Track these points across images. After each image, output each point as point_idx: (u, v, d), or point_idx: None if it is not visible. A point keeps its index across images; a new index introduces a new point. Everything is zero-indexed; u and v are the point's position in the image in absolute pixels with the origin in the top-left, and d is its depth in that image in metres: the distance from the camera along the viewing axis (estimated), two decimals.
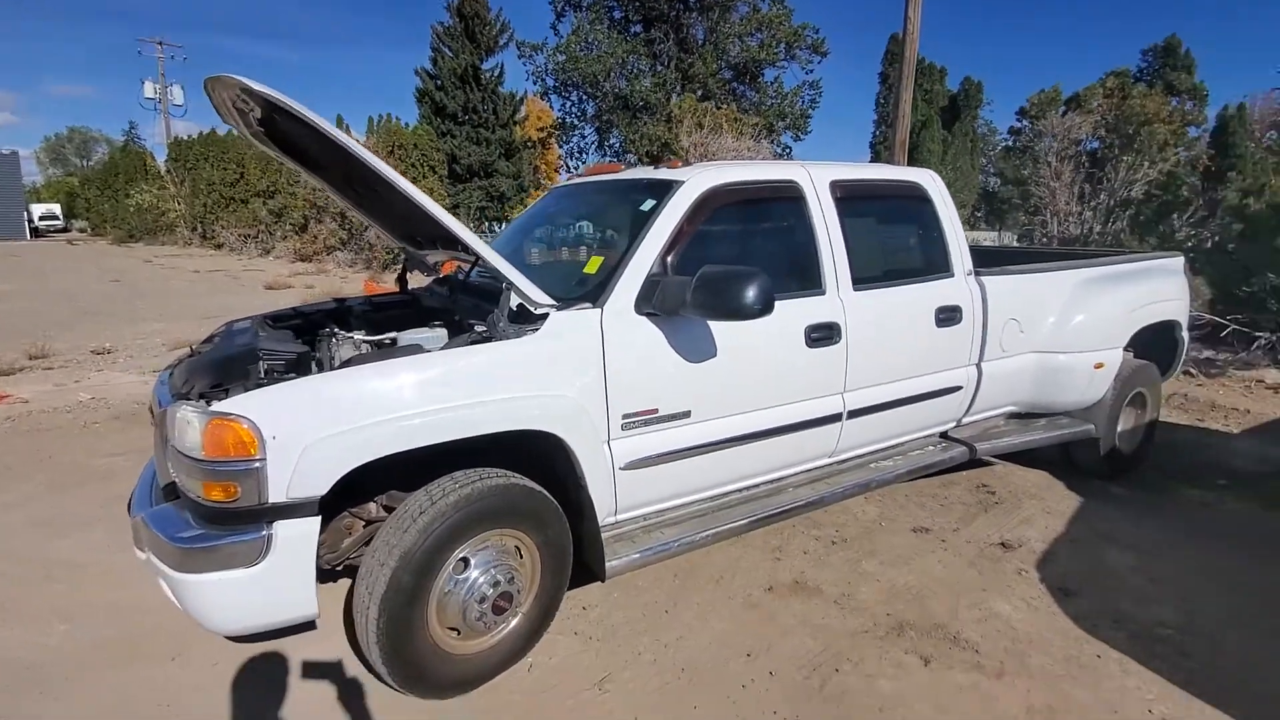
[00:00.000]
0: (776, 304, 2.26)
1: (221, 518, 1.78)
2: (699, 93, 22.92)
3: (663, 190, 2.52)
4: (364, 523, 2.24)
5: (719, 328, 2.38)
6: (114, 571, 2.82)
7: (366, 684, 2.15)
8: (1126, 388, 3.76)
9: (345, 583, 2.63)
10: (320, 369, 2.28)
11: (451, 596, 2.03)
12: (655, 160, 19.87)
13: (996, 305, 3.31)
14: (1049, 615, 2.58)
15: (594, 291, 2.29)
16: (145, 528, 1.89)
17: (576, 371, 2.15)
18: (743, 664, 2.29)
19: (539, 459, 2.22)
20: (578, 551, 2.32)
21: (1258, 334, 6.51)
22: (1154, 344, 3.97)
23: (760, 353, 2.54)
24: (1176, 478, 3.98)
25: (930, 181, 3.26)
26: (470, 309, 2.48)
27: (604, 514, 2.31)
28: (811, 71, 24.44)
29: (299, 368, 2.19)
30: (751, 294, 2.08)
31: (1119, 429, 3.83)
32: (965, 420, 3.49)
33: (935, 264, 3.18)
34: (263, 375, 2.08)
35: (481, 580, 2.06)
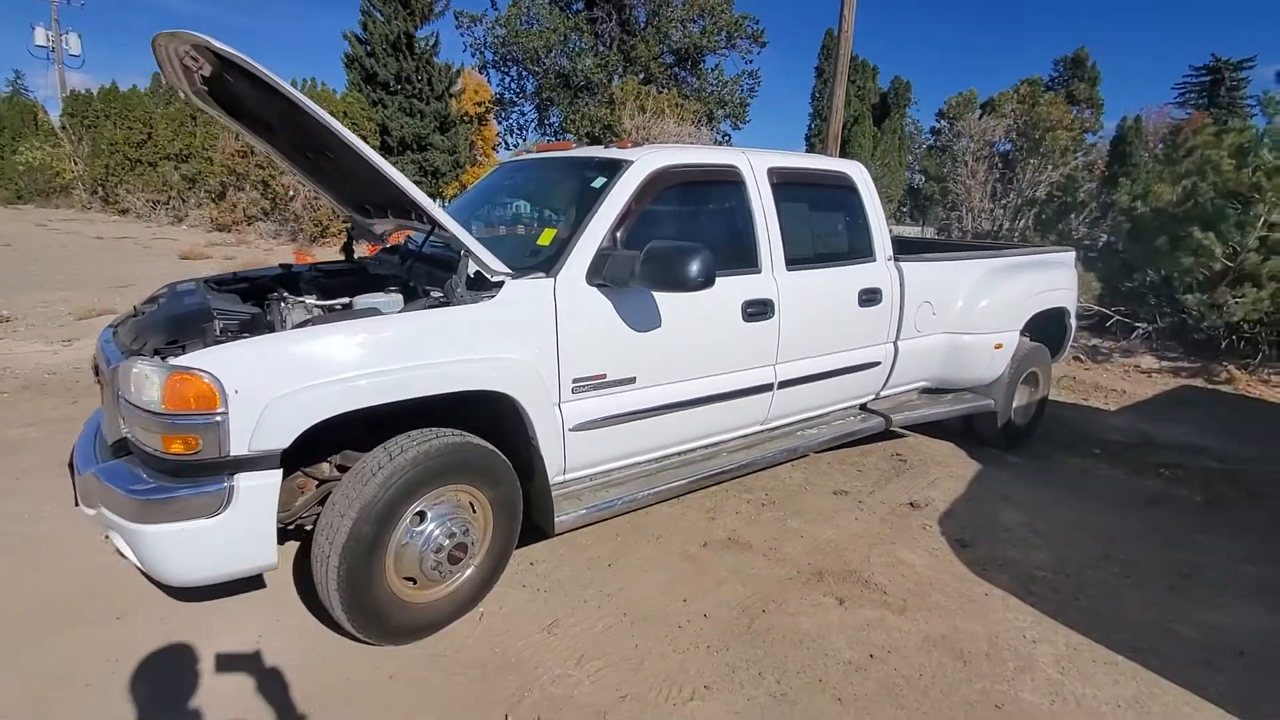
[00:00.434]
0: (717, 280, 2.46)
1: (181, 470, 1.81)
2: (641, 75, 22.95)
3: (613, 169, 2.65)
4: (317, 482, 2.30)
5: (664, 300, 2.55)
6: (46, 538, 2.75)
7: (318, 636, 2.23)
8: (1022, 367, 4.19)
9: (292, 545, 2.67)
10: (272, 331, 2.30)
11: (408, 548, 2.13)
12: (596, 141, 19.81)
13: (913, 289, 3.63)
14: (947, 562, 2.92)
15: (547, 262, 2.41)
16: (97, 482, 1.90)
17: (530, 337, 2.28)
18: (680, 608, 2.49)
19: (492, 420, 2.34)
20: (527, 509, 2.46)
21: (1137, 324, 7.29)
22: (1046, 328, 4.44)
23: (701, 325, 2.73)
24: (1062, 448, 4.48)
25: (858, 172, 3.53)
26: (425, 276, 2.55)
27: (554, 473, 2.45)
28: (751, 61, 24.93)
29: (253, 329, 2.21)
30: (695, 267, 2.25)
31: (1015, 404, 4.27)
32: (883, 394, 3.81)
33: (860, 249, 3.46)
34: (218, 334, 2.10)
35: (437, 532, 2.17)
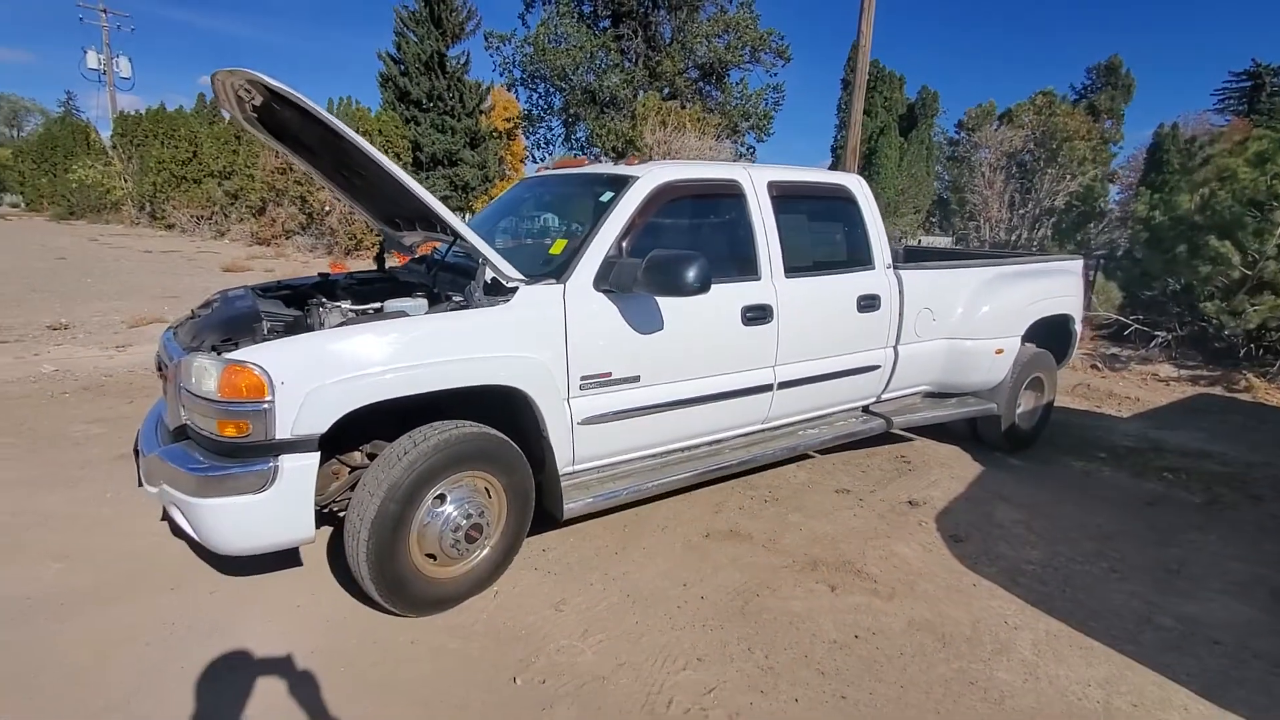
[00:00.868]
0: (717, 286, 2.68)
1: (233, 451, 2.07)
2: (666, 90, 23.32)
3: (620, 184, 2.88)
4: (349, 469, 2.55)
5: (666, 304, 2.76)
6: (105, 521, 3.05)
7: (350, 607, 2.47)
8: (1025, 372, 4.29)
9: (326, 531, 2.93)
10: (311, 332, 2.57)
11: (430, 527, 2.36)
12: (620, 155, 20.18)
13: (912, 296, 3.78)
14: (939, 555, 3.06)
15: (558, 269, 2.64)
16: (161, 462, 2.17)
17: (542, 337, 2.50)
18: (679, 591, 2.68)
19: (507, 414, 2.56)
20: (539, 497, 2.67)
21: (1157, 333, 7.26)
22: (1051, 335, 4.53)
23: (701, 328, 2.93)
24: (1067, 452, 4.55)
25: (857, 185, 3.71)
26: (448, 283, 2.80)
27: (563, 463, 2.66)
28: (775, 75, 25.15)
29: (295, 330, 2.48)
30: (692, 274, 2.46)
31: (1019, 409, 4.37)
32: (885, 396, 3.96)
33: (859, 257, 3.62)
34: (266, 333, 2.36)
35: (455, 513, 2.40)
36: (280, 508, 2.09)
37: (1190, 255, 6.66)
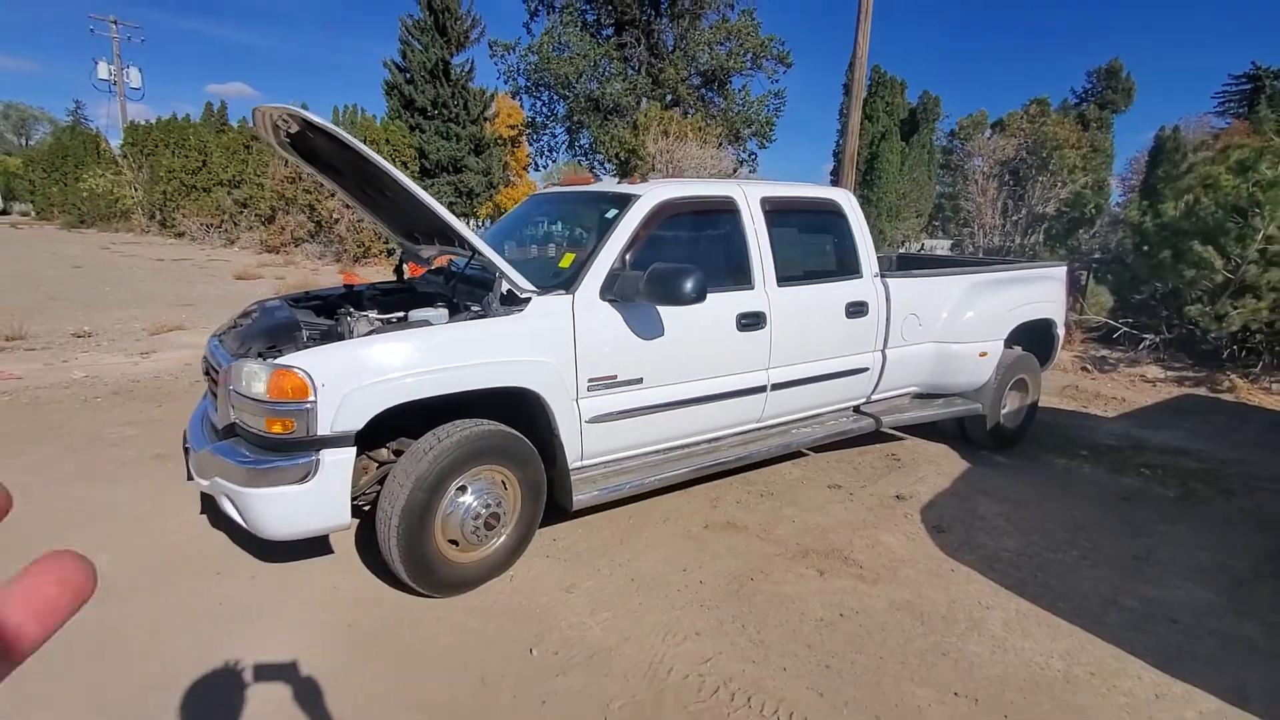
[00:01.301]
0: (713, 295, 2.92)
1: (279, 446, 2.32)
2: (668, 98, 23.62)
3: (623, 202, 3.13)
4: (377, 464, 2.80)
5: (666, 313, 3.00)
6: (148, 514, 3.30)
7: (379, 589, 2.71)
8: (1009, 374, 4.52)
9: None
10: (343, 340, 2.82)
11: (452, 515, 2.60)
12: (623, 164, 20.47)
13: (899, 302, 4.01)
14: (923, 544, 3.28)
15: (567, 281, 2.88)
16: (213, 457, 2.42)
17: (553, 343, 2.74)
18: (680, 576, 2.91)
19: (521, 414, 2.80)
20: (550, 490, 2.91)
21: (1144, 336, 7.47)
22: (1034, 338, 4.76)
23: (699, 334, 3.17)
24: (1051, 450, 4.77)
25: (845, 199, 3.95)
26: (466, 294, 3.05)
27: (573, 459, 2.90)
28: (777, 81, 25.42)
29: (329, 337, 2.73)
30: (689, 285, 2.70)
31: (1004, 409, 4.60)
32: (875, 397, 4.19)
33: (847, 267, 3.86)
34: (305, 340, 2.61)
35: (475, 503, 2.64)
36: (320, 497, 2.33)
37: (1175, 260, 6.88)
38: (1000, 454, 4.62)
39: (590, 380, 2.86)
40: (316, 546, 2.97)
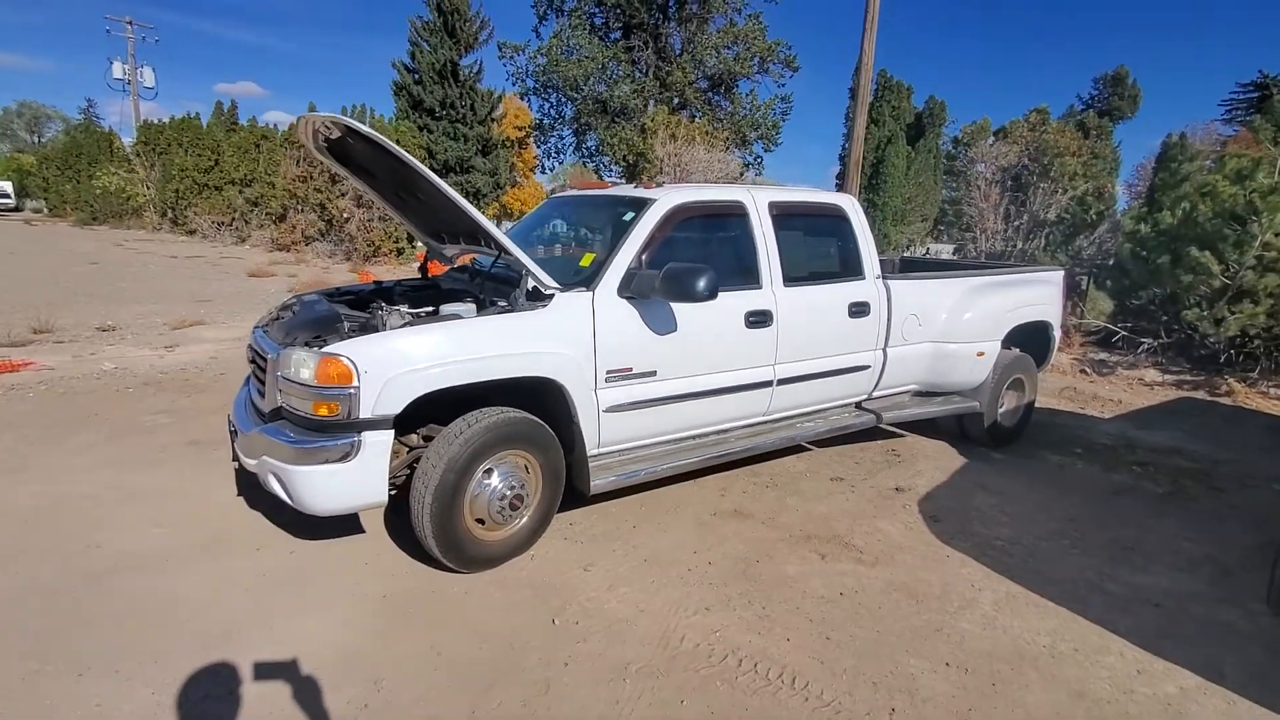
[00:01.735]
0: (723, 294, 3.11)
1: (324, 428, 2.51)
2: (676, 101, 23.84)
3: (639, 205, 3.32)
4: (408, 449, 2.99)
5: (679, 309, 3.19)
6: (190, 494, 3.50)
7: (409, 564, 2.90)
8: (1006, 373, 4.69)
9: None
10: (378, 332, 3.01)
11: (479, 496, 2.79)
12: (631, 166, 20.67)
13: (900, 303, 4.19)
14: (919, 532, 3.46)
15: (587, 279, 3.07)
16: (262, 437, 2.62)
17: (574, 337, 2.93)
18: (690, 557, 3.10)
19: (543, 404, 2.99)
20: (569, 476, 3.10)
21: (1143, 340, 7.62)
22: (1032, 340, 4.93)
23: (710, 330, 3.36)
24: (1047, 448, 4.94)
25: (849, 204, 4.13)
26: (491, 290, 3.24)
27: (590, 446, 3.09)
28: (783, 85, 25.62)
29: (367, 329, 2.92)
30: (702, 284, 2.89)
31: (1002, 407, 4.77)
32: (876, 394, 4.36)
33: (850, 268, 4.04)
34: (347, 331, 2.81)
35: (501, 485, 2.83)
36: (361, 474, 2.52)
37: (1173, 265, 7.04)
38: (997, 451, 4.79)
39: (608, 372, 3.05)
40: (349, 525, 3.17)
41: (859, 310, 3.95)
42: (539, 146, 27.72)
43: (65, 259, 15.84)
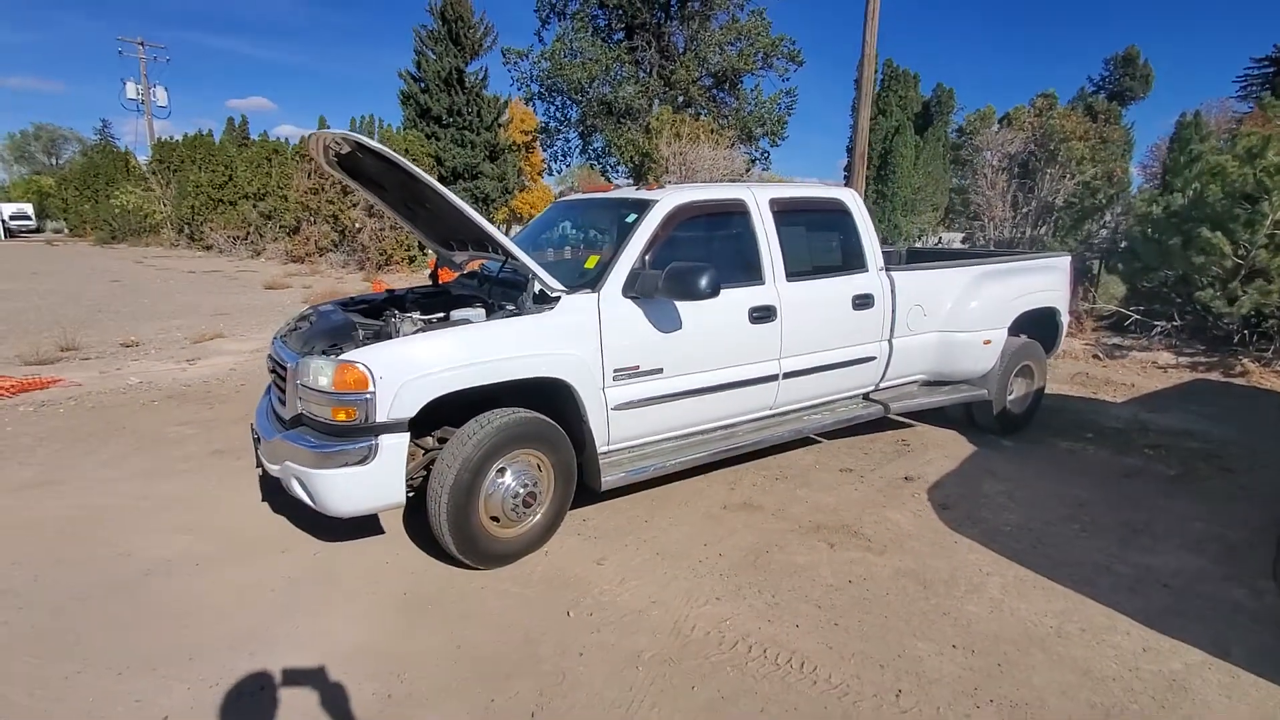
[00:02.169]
0: (726, 291, 3.18)
1: (343, 432, 2.61)
2: (680, 99, 23.86)
3: (642, 207, 3.39)
4: (423, 451, 3.08)
5: (683, 307, 3.26)
6: (216, 502, 3.63)
7: (428, 561, 2.99)
8: (1014, 361, 4.70)
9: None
10: (392, 339, 3.11)
11: (493, 495, 2.88)
12: (638, 167, 20.73)
13: (904, 294, 4.22)
14: (928, 520, 3.50)
15: (592, 280, 3.15)
16: (284, 443, 2.72)
17: (581, 337, 3.01)
18: (701, 549, 3.17)
19: (553, 404, 3.07)
20: (580, 473, 3.18)
21: (1156, 322, 7.56)
22: (1040, 326, 4.93)
23: (714, 327, 3.42)
24: (1057, 434, 4.94)
25: (851, 198, 4.17)
26: (499, 294, 3.33)
27: (600, 443, 3.17)
28: (788, 80, 25.55)
29: (381, 336, 3.02)
30: (704, 282, 2.95)
31: (1010, 395, 4.78)
32: (882, 385, 4.40)
33: (853, 261, 4.09)
34: (361, 339, 2.91)
35: (514, 484, 2.91)
36: (379, 477, 2.62)
37: (1185, 246, 6.98)
38: (1006, 438, 4.80)
39: (615, 370, 3.12)
40: (369, 527, 3.27)
41: (863, 302, 3.99)
42: (545, 150, 27.88)
43: (87, 278, 16.23)
